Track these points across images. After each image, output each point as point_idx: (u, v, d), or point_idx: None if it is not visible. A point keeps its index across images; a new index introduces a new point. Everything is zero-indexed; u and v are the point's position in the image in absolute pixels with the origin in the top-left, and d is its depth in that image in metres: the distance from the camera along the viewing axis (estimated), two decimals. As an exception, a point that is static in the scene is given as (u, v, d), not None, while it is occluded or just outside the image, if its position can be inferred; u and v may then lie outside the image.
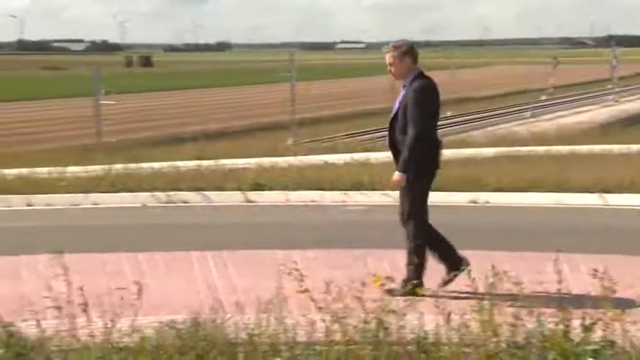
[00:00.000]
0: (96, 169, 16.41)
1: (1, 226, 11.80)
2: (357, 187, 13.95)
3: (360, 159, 17.83)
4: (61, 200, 13.63)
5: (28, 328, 5.11)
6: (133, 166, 16.55)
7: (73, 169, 16.52)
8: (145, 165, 16.87)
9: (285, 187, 14.10)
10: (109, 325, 4.94)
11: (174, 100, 66.64)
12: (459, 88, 60.26)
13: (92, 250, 8.92)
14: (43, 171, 16.12)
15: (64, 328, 5.01)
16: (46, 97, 68.88)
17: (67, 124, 47.33)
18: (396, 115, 7.17)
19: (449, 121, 46.55)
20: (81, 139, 35.29)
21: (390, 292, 6.45)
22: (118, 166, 16.32)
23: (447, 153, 19.87)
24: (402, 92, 7.21)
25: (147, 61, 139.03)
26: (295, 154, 21.51)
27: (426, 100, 7.04)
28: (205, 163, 17.41)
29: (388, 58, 7.22)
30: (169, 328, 5.08)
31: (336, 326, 4.92)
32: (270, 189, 14.15)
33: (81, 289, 5.04)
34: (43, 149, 30.40)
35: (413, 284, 6.92)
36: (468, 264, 6.79)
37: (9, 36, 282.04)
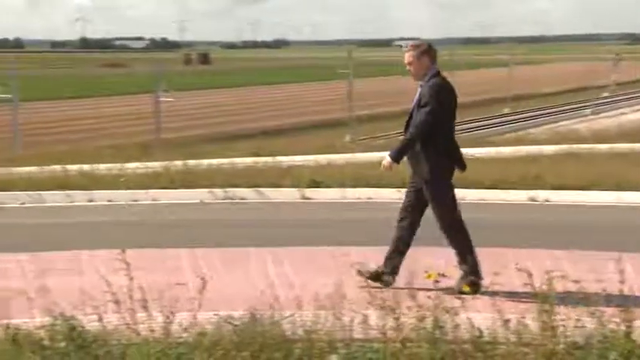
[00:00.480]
0: (155, 165, 16.60)
1: (64, 222, 12.01)
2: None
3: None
4: (121, 196, 13.82)
5: (90, 322, 5.19)
6: (191, 162, 16.71)
7: (132, 165, 16.74)
8: (203, 162, 17.03)
9: (341, 185, 14.11)
10: (168, 320, 5.00)
11: (232, 98, 67.11)
12: (517, 85, 59.60)
13: (151, 245, 9.02)
14: (103, 167, 16.36)
15: (124, 323, 5.09)
16: (107, 94, 69.96)
17: (128, 121, 48.01)
18: (411, 115, 7.17)
19: (507, 118, 46.07)
20: (141, 136, 35.74)
21: (450, 291, 6.44)
22: (177, 163, 16.49)
23: (505, 150, 19.58)
24: (419, 92, 7.20)
25: (205, 59, 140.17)
26: (352, 151, 21.49)
27: (440, 98, 7.02)
28: (262, 160, 17.51)
29: (407, 57, 7.21)
30: (227, 323, 5.12)
31: (391, 323, 4.91)
32: (327, 186, 14.17)
33: (139, 285, 5.11)
34: (104, 145, 30.87)
35: (472, 281, 6.88)
36: (389, 284, 6.81)
37: (73, 34, 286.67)
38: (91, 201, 13.67)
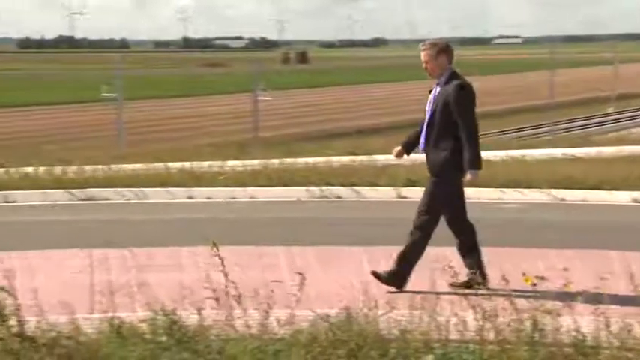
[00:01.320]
0: (253, 163, 16.80)
1: (165, 218, 12.29)
2: (513, 184, 13.71)
3: (516, 156, 17.50)
4: (219, 193, 14.04)
5: (189, 317, 5.30)
6: (288, 160, 16.85)
7: (231, 164, 16.98)
8: (300, 160, 17.15)
9: (438, 184, 14.01)
10: (264, 317, 5.07)
11: (330, 96, 67.35)
12: (622, 83, 58.05)
13: (249, 242, 9.15)
14: (203, 165, 16.65)
15: (221, 318, 5.18)
16: (207, 93, 71.16)
17: (227, 120, 48.73)
18: (431, 119, 7.15)
19: (610, 117, 44.87)
20: (239, 134, 36.21)
21: (453, 285, 6.47)
22: (275, 161, 16.65)
23: (607, 151, 19.08)
24: (434, 94, 7.21)
25: (303, 58, 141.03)
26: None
27: (467, 97, 7.06)
28: (359, 158, 17.51)
29: (423, 55, 7.22)
30: (323, 321, 5.16)
31: (488, 325, 4.86)
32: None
33: (236, 281, 5.19)
34: (204, 144, 31.38)
35: (475, 281, 6.78)
36: (401, 288, 6.91)
37: (175, 34, 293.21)
38: (190, 198, 13.93)
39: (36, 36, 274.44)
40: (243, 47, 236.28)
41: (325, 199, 13.74)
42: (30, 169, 15.41)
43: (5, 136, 40.38)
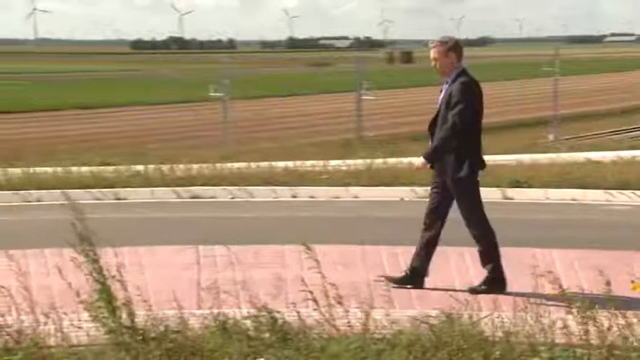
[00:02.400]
0: (356, 162, 16.83)
1: (269, 216, 12.43)
2: (622, 186, 13.34)
3: (626, 157, 17.03)
4: (323, 192, 14.12)
5: (291, 315, 5.36)
6: (392, 160, 16.81)
7: (335, 163, 17.05)
8: (404, 160, 17.08)
9: (545, 185, 13.76)
10: (366, 317, 5.08)
11: (434, 96, 66.80)
12: None
13: (351, 241, 9.16)
14: (307, 164, 16.78)
15: (323, 317, 5.22)
16: (312, 92, 71.69)
17: (331, 119, 48.96)
18: (437, 114, 7.09)
19: None
20: (343, 134, 36.34)
21: (473, 291, 6.52)
22: (378, 161, 16.63)
23: None
24: (444, 90, 7.12)
25: (407, 57, 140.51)
26: (557, 151, 20.89)
27: (467, 95, 6.96)
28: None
29: (433, 53, 7.14)
30: (424, 322, 5.14)
31: (594, 330, 4.76)
32: (530, 186, 13.87)
33: (339, 280, 5.22)
34: (308, 143, 31.65)
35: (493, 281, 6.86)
36: (421, 286, 6.89)
37: (281, 34, 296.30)
38: (294, 197, 14.06)
39: (148, 37, 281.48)
40: (348, 47, 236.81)
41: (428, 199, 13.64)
42: (139, 168, 15.82)
43: (116, 135, 41.62)
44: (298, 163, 16.64)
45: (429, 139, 7.29)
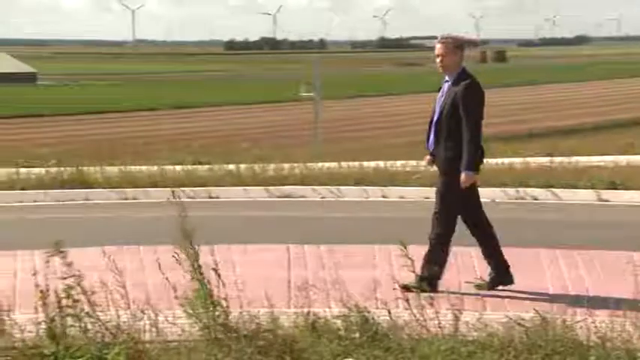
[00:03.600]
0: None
1: (358, 216, 12.44)
2: None
3: None
4: (413, 193, 14.05)
5: (381, 315, 5.36)
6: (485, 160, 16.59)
7: (425, 163, 16.94)
8: (494, 160, 16.87)
9: (642, 187, 13.42)
10: (457, 318, 5.04)
11: (528, 95, 65.84)
12: None
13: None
14: (397, 164, 16.72)
15: (414, 318, 5.20)
16: (402, 92, 71.47)
17: (421, 119, 48.72)
18: (441, 113, 7.00)
19: None
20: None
21: (405, 288, 6.18)
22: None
23: None
24: (444, 90, 7.02)
25: (501, 56, 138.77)
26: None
27: (476, 97, 6.97)
28: (557, 159, 17.02)
29: (439, 49, 7.01)
30: (517, 325, 5.07)
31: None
32: (626, 188, 13.54)
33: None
34: (399, 142, 31.57)
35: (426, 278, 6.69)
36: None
37: (372, 34, 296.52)
38: (384, 197, 14.03)
39: (241, 38, 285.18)
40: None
41: (521, 201, 13.46)
42: (231, 167, 16.02)
43: (209, 134, 42.27)
44: (388, 163, 16.59)
45: (427, 137, 7.34)
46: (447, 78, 7.19)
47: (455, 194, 7.15)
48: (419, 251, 5.42)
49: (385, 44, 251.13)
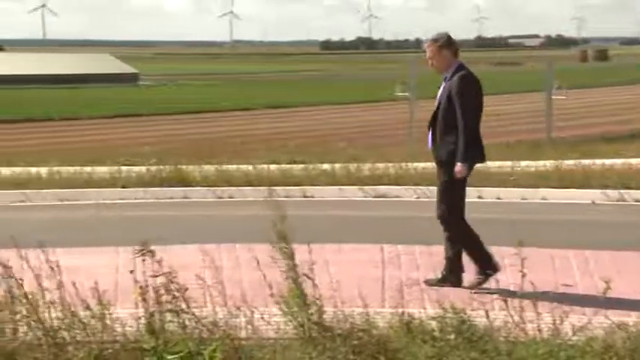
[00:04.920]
0: (545, 164, 16.40)
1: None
2: None
3: None
4: (509, 194, 13.86)
5: (478, 317, 5.30)
6: (583, 162, 16.27)
7: (523, 164, 16.69)
8: (596, 161, 16.50)
9: None
10: (557, 322, 4.94)
11: (629, 95, 64.15)
12: None
13: (541, 244, 8.92)
14: (494, 164, 16.51)
15: (511, 320, 5.12)
16: (500, 92, 70.59)
17: (518, 119, 48.00)
18: (437, 109, 7.10)
19: None
20: (532, 134, 35.56)
21: (427, 282, 6.80)
22: (569, 162, 16.14)
23: None
24: (443, 86, 7.10)
25: (602, 55, 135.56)
26: None
27: (468, 89, 7.00)
28: (662, 161, 16.54)
29: (428, 52, 7.17)
30: (620, 329, 4.94)
31: None
32: None
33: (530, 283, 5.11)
34: (496, 143, 31.18)
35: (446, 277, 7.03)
36: (497, 270, 6.76)
37: (468, 33, 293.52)
38: (480, 197, 13.86)
39: (337, 37, 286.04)
40: (538, 45, 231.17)
41: (622, 203, 13.12)
42: (326, 166, 16.08)
43: (304, 134, 42.55)
44: (485, 163, 16.38)
45: (428, 135, 7.36)
46: (444, 76, 7.31)
47: (457, 190, 7.31)
48: (509, 253, 5.33)
49: (482, 43, 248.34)
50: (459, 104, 7.08)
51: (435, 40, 7.34)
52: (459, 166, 7.16)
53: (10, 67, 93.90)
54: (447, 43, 7.30)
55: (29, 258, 5.36)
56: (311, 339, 5.03)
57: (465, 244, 7.30)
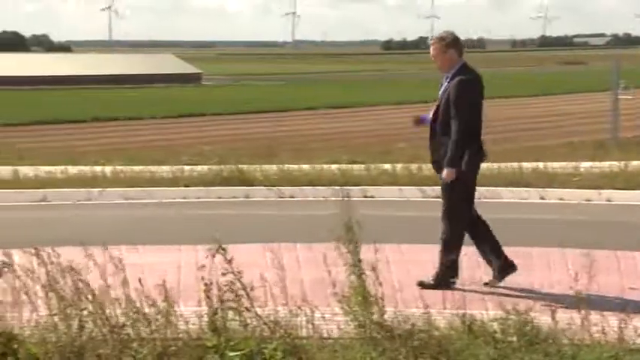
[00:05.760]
0: (611, 164, 16.13)
1: (517, 218, 12.20)
2: None
3: None
4: (573, 195, 13.67)
5: (542, 319, 5.24)
6: (649, 163, 15.97)
7: (587, 165, 16.45)
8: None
9: None
10: (623, 325, 4.87)
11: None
12: None
13: (602, 246, 8.79)
14: (557, 165, 16.30)
15: (576, 322, 5.06)
16: (565, 91, 69.64)
17: (583, 119, 47.31)
18: (437, 108, 7.01)
19: None
20: (596, 134, 35.02)
21: (421, 285, 6.69)
22: (635, 163, 15.85)
23: None
24: (444, 85, 6.97)
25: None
26: None
27: (466, 94, 6.86)
28: None
29: (432, 50, 7.00)
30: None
31: None
32: None
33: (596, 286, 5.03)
34: (560, 143, 30.76)
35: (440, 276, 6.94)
36: (514, 269, 6.81)
37: (533, 33, 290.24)
38: (542, 199, 13.70)
39: (398, 37, 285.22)
40: (604, 44, 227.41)
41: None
42: (387, 166, 16.04)
43: (364, 134, 42.52)
44: (548, 164, 16.19)
45: (430, 133, 7.26)
46: (446, 76, 7.18)
47: (457, 191, 7.13)
48: (572, 254, 5.27)
49: (547, 43, 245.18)
50: (454, 112, 6.98)
51: (441, 39, 7.21)
52: (445, 172, 7.09)
53: (76, 68, 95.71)
54: (453, 42, 7.17)
55: (95, 255, 5.46)
56: (371, 339, 5.03)
57: (450, 247, 7.17)
